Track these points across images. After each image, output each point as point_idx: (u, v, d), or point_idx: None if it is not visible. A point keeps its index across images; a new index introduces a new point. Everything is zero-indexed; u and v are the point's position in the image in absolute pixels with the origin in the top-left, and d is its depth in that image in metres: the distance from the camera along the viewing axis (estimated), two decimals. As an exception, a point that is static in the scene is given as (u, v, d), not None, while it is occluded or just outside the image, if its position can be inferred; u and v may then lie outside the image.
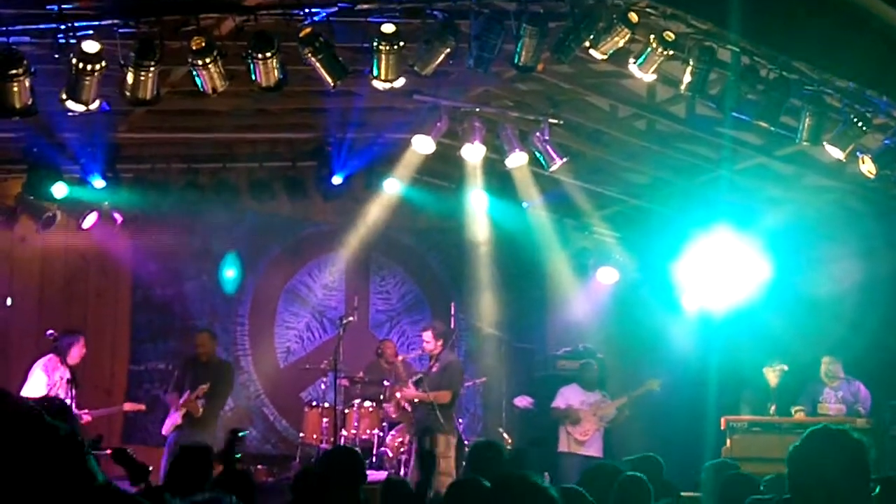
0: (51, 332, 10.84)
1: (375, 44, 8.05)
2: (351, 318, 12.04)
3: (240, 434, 7.93)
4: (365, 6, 8.12)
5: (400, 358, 12.26)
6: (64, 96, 7.85)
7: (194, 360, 11.73)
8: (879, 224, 12.46)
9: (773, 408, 11.64)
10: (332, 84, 8.24)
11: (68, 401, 10.31)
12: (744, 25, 8.29)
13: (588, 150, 12.26)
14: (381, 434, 12.01)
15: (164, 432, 11.42)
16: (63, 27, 7.65)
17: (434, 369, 11.32)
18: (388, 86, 8.37)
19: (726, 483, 6.04)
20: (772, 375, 11.86)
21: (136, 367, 12.53)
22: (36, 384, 10.52)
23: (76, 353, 10.83)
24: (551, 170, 11.32)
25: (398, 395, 11.79)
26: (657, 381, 12.48)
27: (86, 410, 10.77)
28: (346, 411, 11.93)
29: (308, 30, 7.94)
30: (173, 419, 11.38)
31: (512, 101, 11.26)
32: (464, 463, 10.17)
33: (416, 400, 11.30)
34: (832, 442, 3.68)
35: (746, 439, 11.01)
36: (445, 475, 10.61)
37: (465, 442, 11.38)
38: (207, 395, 11.40)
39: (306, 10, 7.97)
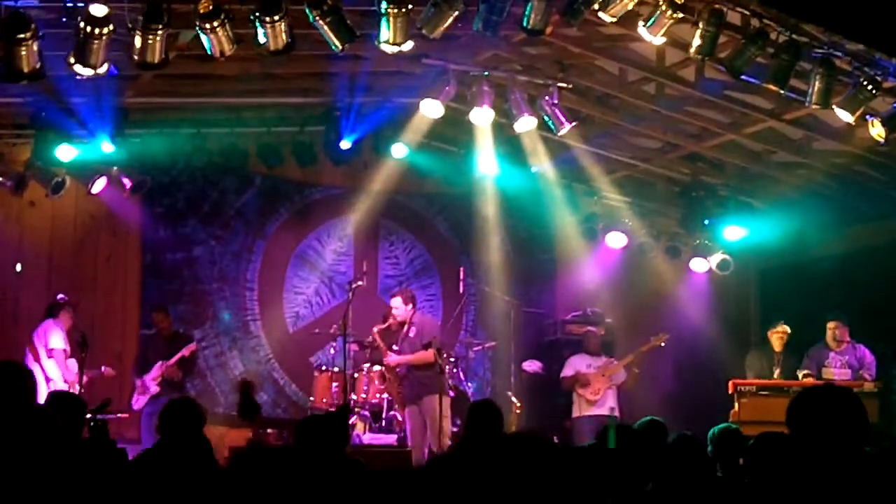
0: (62, 295, 11.01)
1: (383, 7, 8.02)
2: (360, 283, 12.04)
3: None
4: (373, -32, 8.10)
5: (375, 330, 11.88)
6: (72, 60, 7.86)
7: (156, 338, 12.03)
8: (888, 188, 12.44)
9: (777, 372, 11.64)
10: (340, 48, 8.23)
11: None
12: (754, -13, 8.27)
13: (597, 115, 12.21)
14: (391, 398, 12.06)
15: (135, 406, 11.57)
16: (71, -9, 7.66)
17: (411, 333, 11.32)
18: (396, 49, 8.35)
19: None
20: (775, 338, 11.80)
21: (146, 331, 12.54)
22: (58, 340, 11.01)
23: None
24: (560, 134, 11.30)
25: (376, 368, 11.84)
26: (664, 335, 12.32)
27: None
28: (356, 375, 11.96)
29: (316, -7, 7.91)
30: (147, 391, 11.57)
31: (520, 65, 11.21)
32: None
33: (397, 368, 11.33)
34: (829, 396, 3.62)
35: (754, 403, 11.00)
36: (446, 436, 10.66)
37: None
38: (180, 363, 11.74)
39: (314, -27, 7.94)
